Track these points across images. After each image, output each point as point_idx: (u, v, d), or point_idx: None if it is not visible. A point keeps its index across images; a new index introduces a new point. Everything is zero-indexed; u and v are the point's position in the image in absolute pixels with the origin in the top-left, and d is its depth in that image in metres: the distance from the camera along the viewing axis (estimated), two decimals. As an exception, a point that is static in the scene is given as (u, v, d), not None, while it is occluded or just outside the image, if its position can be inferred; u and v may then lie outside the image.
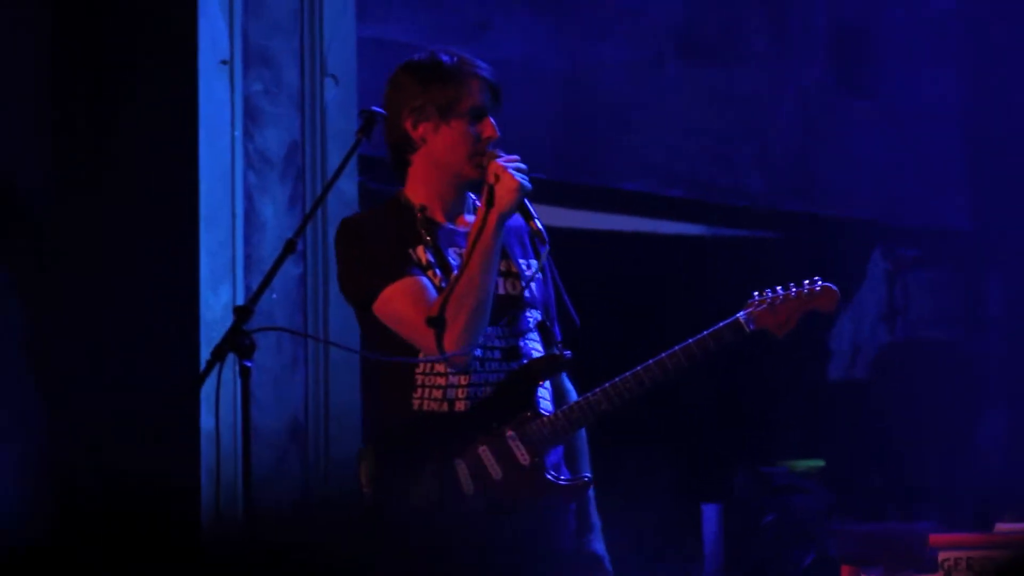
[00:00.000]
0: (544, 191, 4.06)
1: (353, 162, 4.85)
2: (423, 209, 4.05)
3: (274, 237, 5.27)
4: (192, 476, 4.87)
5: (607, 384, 3.99)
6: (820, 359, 8.23)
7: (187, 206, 5.17)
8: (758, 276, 7.62)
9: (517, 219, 4.02)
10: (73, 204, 5.35)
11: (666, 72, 7.63)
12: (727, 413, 7.54)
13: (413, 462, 3.97)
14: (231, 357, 3.74)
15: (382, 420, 4.05)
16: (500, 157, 3.98)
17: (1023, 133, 8.23)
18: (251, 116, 5.30)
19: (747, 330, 4.05)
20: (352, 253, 4.05)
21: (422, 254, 4.02)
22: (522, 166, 3.97)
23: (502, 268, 4.06)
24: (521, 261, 4.10)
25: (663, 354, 3.99)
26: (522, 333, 4.06)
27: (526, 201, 3.96)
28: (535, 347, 4.08)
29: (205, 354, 4.14)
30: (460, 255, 3.99)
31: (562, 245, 4.18)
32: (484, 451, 3.98)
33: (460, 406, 3.97)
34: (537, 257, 4.13)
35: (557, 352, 4.09)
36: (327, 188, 4.14)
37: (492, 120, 4.04)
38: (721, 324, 4.03)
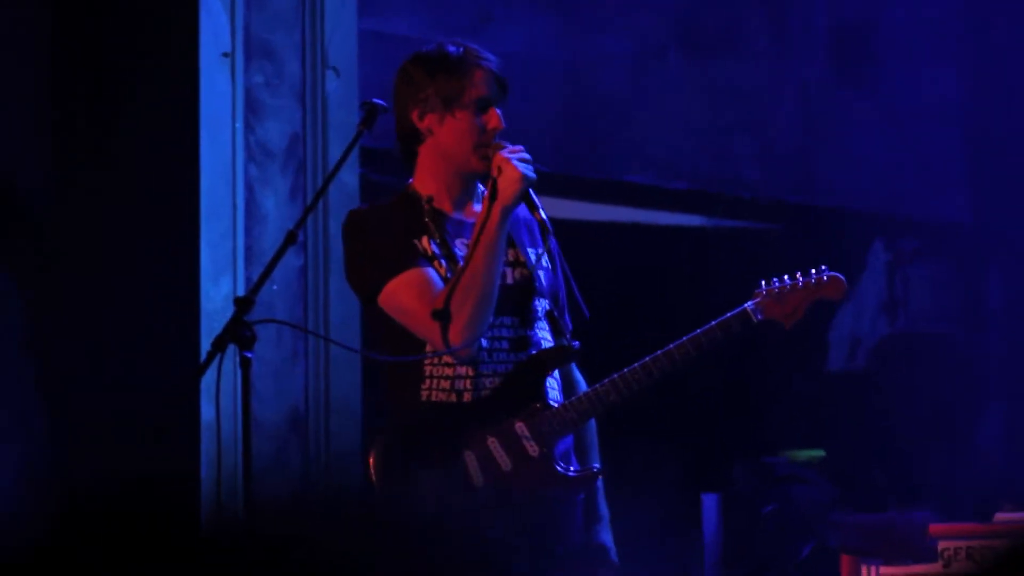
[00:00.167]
0: (545, 183, 4.06)
1: (354, 154, 4.87)
2: (431, 200, 4.06)
3: (275, 229, 5.27)
4: (192, 467, 4.88)
5: (615, 375, 3.99)
6: (820, 350, 8.24)
7: (188, 198, 5.17)
8: (759, 267, 7.63)
9: (525, 209, 4.02)
10: (74, 199, 5.36)
11: (668, 66, 7.64)
12: (726, 403, 7.54)
13: (422, 453, 3.97)
14: (232, 348, 3.75)
15: (390, 411, 4.06)
16: (504, 148, 3.99)
17: (1022, 125, 8.23)
18: (252, 108, 5.30)
19: (755, 320, 4.05)
20: (358, 245, 4.06)
21: (427, 245, 4.02)
22: (526, 156, 3.97)
23: (510, 258, 4.06)
24: (529, 250, 4.10)
25: (671, 345, 4.00)
26: (531, 323, 4.06)
27: (531, 192, 3.96)
28: (544, 337, 4.08)
29: (206, 345, 4.15)
30: (467, 246, 4.00)
31: (563, 236, 4.18)
32: (493, 442, 3.98)
33: (468, 397, 3.98)
34: (544, 245, 4.13)
35: (566, 342, 4.09)
36: (328, 180, 4.15)
37: (498, 111, 4.05)
38: (729, 314, 4.03)
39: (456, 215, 4.07)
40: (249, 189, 5.29)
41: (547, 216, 4.09)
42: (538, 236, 4.11)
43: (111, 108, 5.36)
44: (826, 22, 8.19)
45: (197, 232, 5.14)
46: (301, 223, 3.95)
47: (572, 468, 4.04)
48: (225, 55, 5.24)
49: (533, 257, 4.10)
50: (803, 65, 8.08)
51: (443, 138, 4.04)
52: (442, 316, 3.87)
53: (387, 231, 4.02)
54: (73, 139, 5.36)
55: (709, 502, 7.00)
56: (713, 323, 4.01)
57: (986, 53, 8.47)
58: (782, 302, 4.08)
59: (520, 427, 4.00)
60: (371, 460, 4.00)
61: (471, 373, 3.98)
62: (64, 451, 5.16)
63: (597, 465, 4.10)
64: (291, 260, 5.30)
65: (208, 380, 3.80)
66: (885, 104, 8.30)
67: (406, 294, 3.96)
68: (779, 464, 7.27)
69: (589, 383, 4.11)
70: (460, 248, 4.01)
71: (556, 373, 4.09)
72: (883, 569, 4.93)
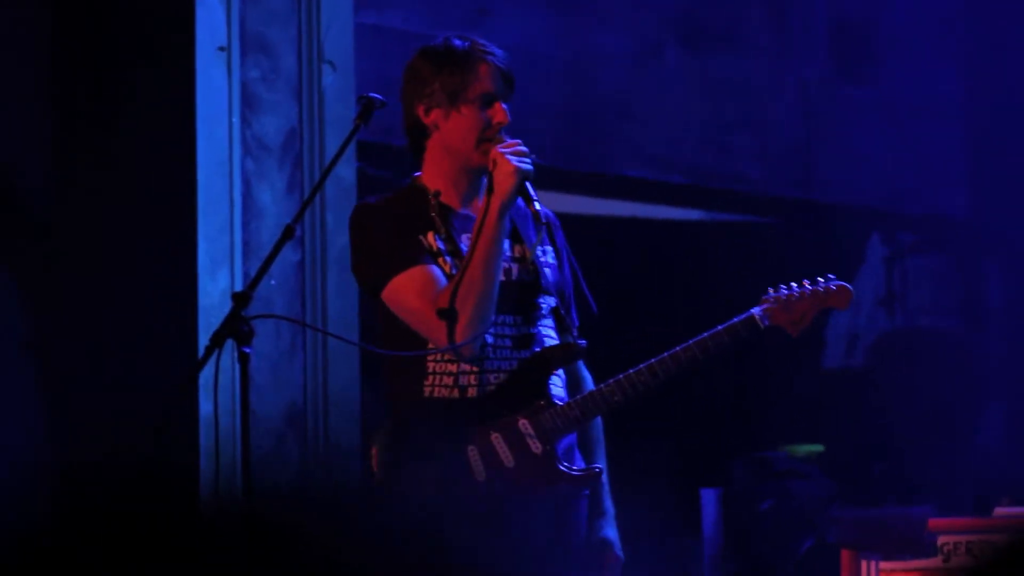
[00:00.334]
0: (544, 177, 4.05)
1: (351, 148, 4.85)
2: (437, 194, 4.05)
3: (272, 223, 5.27)
4: (191, 461, 4.88)
5: (621, 376, 3.99)
6: (818, 345, 8.24)
7: (185, 193, 5.17)
8: (758, 261, 7.64)
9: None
10: (73, 196, 5.35)
11: (666, 61, 7.63)
12: (725, 399, 7.55)
13: (424, 446, 3.97)
14: (230, 343, 3.74)
15: (393, 406, 4.06)
16: (501, 143, 3.98)
17: (1021, 121, 8.23)
18: (249, 103, 5.30)
19: (761, 327, 4.04)
20: (363, 240, 4.05)
21: (432, 241, 4.02)
22: (523, 149, 3.96)
23: (516, 254, 4.06)
24: (536, 246, 4.09)
25: (677, 348, 3.99)
26: (535, 320, 4.05)
27: (527, 185, 3.95)
28: (549, 334, 4.07)
29: (204, 340, 4.14)
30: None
31: (563, 231, 4.18)
32: (496, 438, 3.98)
33: (471, 393, 3.98)
34: (551, 241, 4.13)
35: (571, 340, 4.09)
36: (325, 174, 4.14)
37: (504, 106, 4.04)
38: (735, 320, 4.03)
39: (463, 210, 4.07)
40: (246, 184, 5.28)
41: (550, 211, 4.09)
42: (544, 231, 4.10)
43: (109, 105, 5.36)
44: (826, 18, 8.19)
45: (194, 227, 5.14)
46: (298, 217, 3.94)
47: (575, 467, 4.04)
48: (221, 49, 5.24)
49: (539, 253, 4.09)
50: (803, 61, 8.08)
51: (449, 133, 4.04)
52: (449, 315, 3.87)
53: (393, 226, 4.02)
54: (72, 137, 5.36)
55: (708, 497, 7.00)
56: (720, 328, 4.01)
57: (986, 50, 8.48)
58: (789, 309, 4.08)
59: (523, 424, 3.99)
60: (373, 451, 4.01)
61: (474, 369, 3.98)
62: (64, 446, 5.16)
63: (599, 465, 4.10)
64: (289, 255, 5.29)
65: (206, 375, 3.79)
66: (885, 100, 8.30)
67: (409, 292, 3.96)
68: (778, 459, 7.27)
69: (602, 382, 4.11)
70: (466, 243, 4.01)
71: (561, 371, 4.08)
72: (883, 564, 4.92)
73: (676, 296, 7.49)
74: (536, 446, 3.99)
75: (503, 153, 3.94)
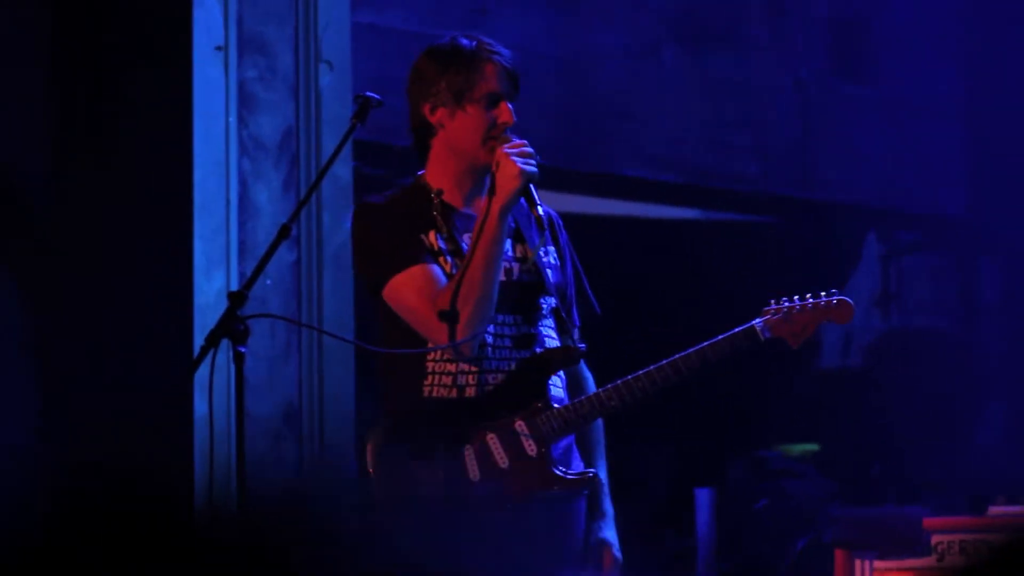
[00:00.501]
0: (542, 177, 4.05)
1: (348, 147, 4.86)
2: (440, 194, 4.05)
3: (268, 223, 5.27)
4: (186, 461, 4.88)
5: (619, 381, 3.98)
6: (814, 345, 8.24)
7: (181, 192, 5.17)
8: (755, 260, 7.64)
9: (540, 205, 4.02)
10: (71, 195, 5.35)
11: (665, 60, 7.63)
12: (720, 398, 7.54)
13: (421, 446, 3.97)
14: (225, 343, 3.74)
15: (391, 404, 4.06)
16: (508, 143, 3.97)
17: (1020, 119, 8.22)
18: (245, 102, 5.30)
19: (762, 338, 4.05)
20: (365, 237, 4.05)
21: (433, 240, 4.02)
22: (528, 151, 3.96)
23: (517, 254, 4.06)
24: (539, 246, 4.08)
25: (677, 356, 3.99)
26: (536, 320, 4.05)
27: (531, 188, 3.95)
28: (549, 334, 4.07)
29: (199, 340, 4.14)
30: None
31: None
32: (492, 439, 3.98)
33: (470, 392, 3.97)
34: (554, 240, 4.13)
35: (571, 343, 4.08)
36: (322, 174, 4.15)
37: (509, 106, 4.03)
38: (736, 330, 4.03)
39: (466, 209, 4.06)
40: (242, 183, 5.28)
41: (555, 212, 4.10)
42: (548, 232, 4.10)
43: (107, 104, 5.36)
44: (825, 16, 8.19)
45: (190, 226, 5.14)
46: (294, 217, 3.95)
47: (571, 471, 4.04)
48: (218, 49, 5.24)
49: (541, 253, 4.09)
50: (801, 60, 8.08)
51: (453, 132, 4.03)
52: (450, 317, 3.87)
53: (394, 224, 4.01)
54: (70, 136, 5.36)
55: (703, 496, 7.00)
56: (720, 338, 4.01)
57: (985, 49, 8.47)
58: (790, 321, 4.08)
59: (520, 425, 3.99)
60: (368, 449, 4.00)
61: (473, 369, 3.97)
62: (61, 444, 5.16)
63: (595, 469, 4.09)
64: (284, 254, 5.29)
65: (201, 375, 3.80)
66: (883, 99, 8.30)
67: (409, 290, 3.96)
68: (773, 458, 7.27)
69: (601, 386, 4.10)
70: (467, 243, 4.00)
71: (561, 372, 4.08)
72: (877, 563, 4.93)
73: (675, 295, 7.49)
74: (531, 448, 3.98)
75: (508, 154, 3.93)
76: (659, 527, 7.14)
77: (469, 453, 3.97)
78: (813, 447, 7.50)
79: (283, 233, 3.85)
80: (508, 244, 4.04)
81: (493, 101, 4.02)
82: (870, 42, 8.31)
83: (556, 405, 4.01)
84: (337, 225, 5.33)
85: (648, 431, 6.94)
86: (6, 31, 5.34)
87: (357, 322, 5.37)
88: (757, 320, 4.06)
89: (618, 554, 4.12)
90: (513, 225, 4.05)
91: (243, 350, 3.73)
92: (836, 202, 8.14)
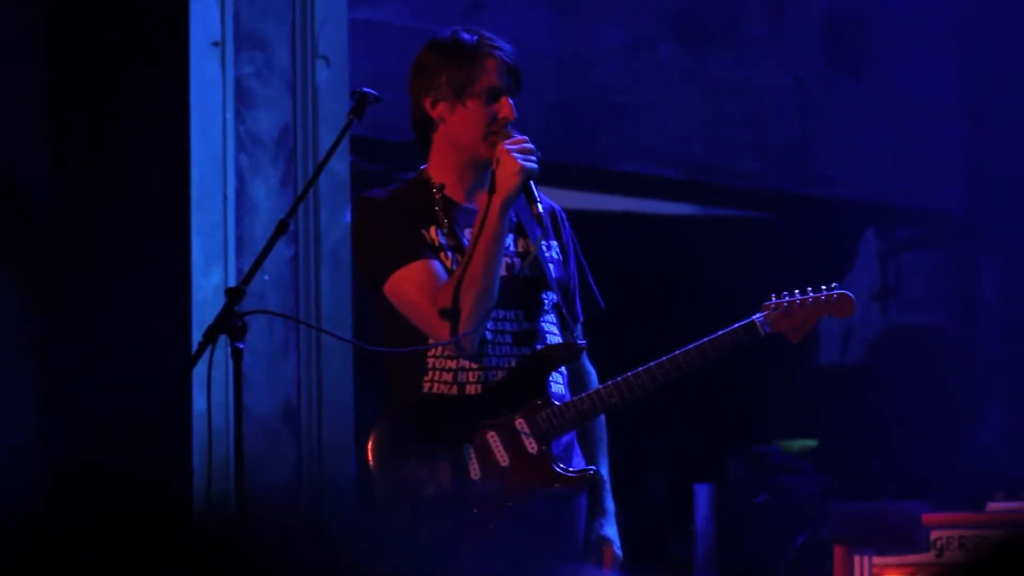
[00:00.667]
0: (540, 172, 4.05)
1: (345, 143, 4.84)
2: (442, 188, 4.05)
3: (266, 219, 5.25)
4: (184, 458, 4.87)
5: (619, 378, 3.98)
6: (812, 340, 8.24)
7: (179, 189, 5.16)
8: (753, 256, 7.63)
9: (543, 200, 4.02)
10: (69, 193, 5.35)
11: (661, 56, 7.63)
12: (720, 393, 7.54)
13: (421, 443, 3.97)
14: (223, 339, 3.74)
15: (391, 401, 4.05)
16: (507, 139, 3.97)
17: (1018, 117, 8.22)
18: (243, 98, 5.29)
19: (762, 333, 4.04)
20: (366, 232, 4.05)
21: (434, 235, 4.01)
22: (529, 147, 3.95)
23: (519, 248, 4.05)
24: (541, 242, 4.08)
25: (677, 352, 3.99)
26: (537, 316, 4.05)
27: (531, 184, 3.94)
28: (551, 330, 4.06)
29: (197, 336, 4.13)
30: None
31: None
32: (492, 436, 3.97)
33: (471, 389, 3.97)
34: (556, 235, 4.12)
35: (572, 340, 4.08)
36: (319, 169, 4.14)
37: (510, 101, 4.03)
38: (736, 325, 4.02)
39: (468, 204, 4.06)
40: (240, 179, 5.27)
41: (559, 206, 4.10)
42: (550, 226, 4.09)
43: (104, 102, 5.35)
44: (822, 13, 8.19)
45: (188, 223, 5.13)
46: (292, 213, 3.95)
47: (571, 468, 4.03)
48: (215, 45, 5.23)
49: (543, 248, 4.08)
50: (800, 57, 8.07)
51: (454, 127, 4.03)
52: (452, 315, 3.87)
53: (395, 219, 4.01)
54: (68, 134, 5.35)
55: (702, 492, 7.00)
56: (720, 333, 4.00)
57: (983, 45, 8.47)
58: (791, 316, 4.07)
59: (520, 423, 3.98)
60: (369, 445, 4.00)
61: (474, 366, 3.97)
62: (60, 443, 5.16)
63: (596, 466, 4.08)
64: (282, 250, 5.28)
65: (199, 371, 3.79)
66: (882, 96, 8.30)
67: (410, 286, 3.95)
68: (771, 454, 7.26)
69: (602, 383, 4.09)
70: (468, 238, 3.99)
71: (563, 368, 4.07)
72: (876, 559, 4.93)
73: (673, 292, 7.48)
74: (532, 445, 3.98)
75: (509, 150, 3.93)
76: (658, 524, 7.13)
77: (470, 451, 3.96)
78: (812, 443, 7.49)
79: (281, 229, 3.85)
80: (510, 239, 4.03)
81: (494, 96, 4.01)
82: (869, 40, 8.30)
83: (556, 402, 4.00)
84: (335, 221, 5.31)
85: (649, 428, 6.93)
86: (4, 30, 5.33)
87: (355, 318, 5.37)
88: (757, 315, 4.05)
89: (619, 551, 4.12)
90: (515, 220, 4.05)
91: (241, 346, 3.73)
92: (835, 199, 8.14)
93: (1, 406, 5.22)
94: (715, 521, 6.97)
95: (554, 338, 4.06)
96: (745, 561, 6.99)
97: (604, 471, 4.12)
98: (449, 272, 3.95)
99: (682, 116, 7.66)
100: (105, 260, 5.32)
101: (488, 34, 4.08)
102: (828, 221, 8.10)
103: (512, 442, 3.97)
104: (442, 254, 3.99)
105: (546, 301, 4.07)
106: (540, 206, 3.94)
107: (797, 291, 4.10)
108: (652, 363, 3.98)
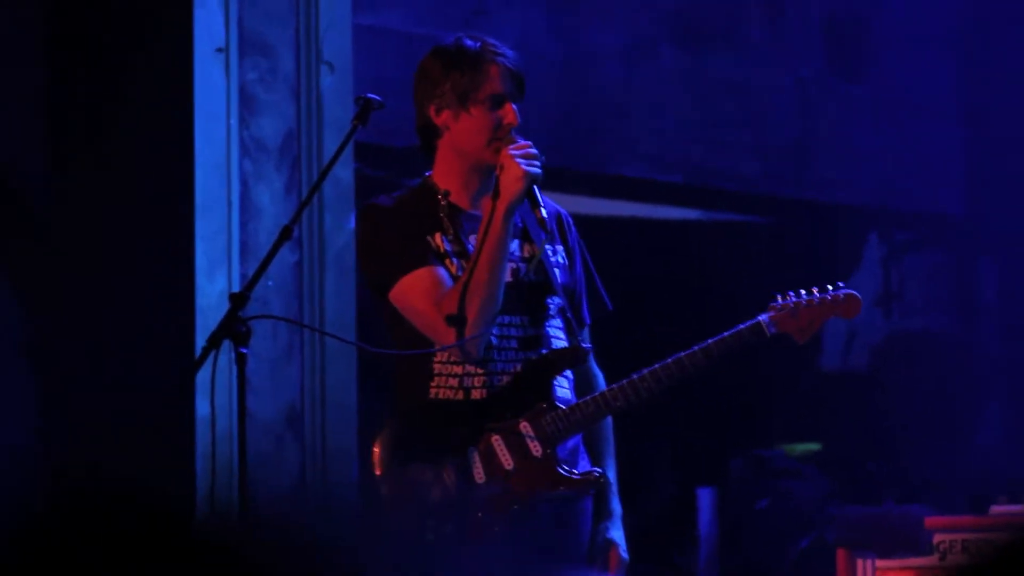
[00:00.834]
0: (543, 176, 4.05)
1: (349, 149, 4.85)
2: (447, 195, 4.05)
3: (270, 224, 5.26)
4: (188, 463, 4.88)
5: (624, 381, 3.98)
6: (815, 345, 8.25)
7: (183, 194, 5.16)
8: (754, 260, 7.64)
9: (549, 204, 4.02)
10: (71, 197, 5.36)
11: (662, 60, 7.63)
12: (722, 397, 7.56)
13: (427, 448, 3.97)
14: (227, 344, 3.75)
15: (398, 407, 4.06)
16: (512, 144, 3.97)
17: (1018, 118, 8.23)
18: (247, 104, 5.29)
19: (768, 333, 4.03)
20: (370, 239, 4.06)
21: (439, 242, 4.02)
22: (533, 152, 3.96)
23: (524, 254, 4.06)
24: (547, 247, 4.09)
25: (682, 353, 3.98)
26: (542, 321, 4.05)
27: (535, 189, 3.95)
28: (556, 335, 4.07)
29: (201, 341, 4.14)
30: None
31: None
32: (497, 441, 3.98)
33: (476, 395, 3.98)
34: (562, 239, 4.13)
35: (577, 344, 4.08)
36: (323, 175, 4.15)
37: (514, 107, 4.03)
38: (742, 326, 4.02)
39: (473, 210, 4.07)
40: (244, 184, 5.28)
41: (563, 208, 4.10)
42: (556, 231, 4.10)
43: (107, 106, 5.36)
44: (822, 15, 8.19)
45: (192, 228, 5.14)
46: (296, 218, 3.95)
47: (576, 471, 4.03)
48: (219, 50, 5.24)
49: (549, 253, 4.09)
50: (799, 59, 8.08)
51: (459, 134, 4.04)
52: (457, 321, 3.87)
53: (401, 226, 4.02)
54: (70, 138, 5.36)
55: (704, 496, 7.00)
56: (725, 334, 3.99)
57: (983, 47, 8.48)
58: (796, 317, 4.05)
59: (525, 427, 3.99)
60: (375, 451, 4.01)
61: (479, 371, 3.98)
62: (59, 446, 5.16)
63: (600, 470, 4.09)
64: (286, 255, 5.28)
65: (203, 376, 3.80)
66: (882, 98, 8.30)
67: (415, 293, 3.96)
68: (774, 458, 7.27)
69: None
70: (473, 244, 4.00)
71: (568, 372, 4.07)
72: (879, 562, 4.93)
73: (673, 296, 7.49)
74: (536, 449, 3.98)
75: (513, 156, 3.93)
76: (661, 526, 7.14)
77: (475, 456, 3.97)
78: (815, 447, 7.50)
79: (285, 234, 3.85)
80: (515, 244, 4.04)
81: (497, 102, 4.02)
82: (869, 42, 8.31)
83: (561, 406, 4.01)
84: (339, 226, 5.32)
85: (650, 431, 6.94)
86: (5, 31, 5.34)
87: (359, 323, 5.38)
88: (763, 315, 4.04)
89: (624, 554, 4.12)
90: (520, 225, 4.05)
91: (245, 351, 3.74)
92: (835, 202, 8.14)
93: (1, 406, 5.22)
94: (717, 525, 6.97)
95: (560, 343, 4.06)
96: (747, 564, 7.00)
97: (611, 474, 4.13)
98: (454, 278, 3.96)
99: (683, 119, 7.67)
100: (107, 263, 5.32)
101: (491, 40, 4.08)
102: (830, 226, 8.11)
103: (517, 446, 3.98)
104: (447, 260, 4.00)
105: (551, 306, 4.08)
106: (544, 211, 3.95)
107: (803, 291, 4.09)
108: (657, 365, 3.98)
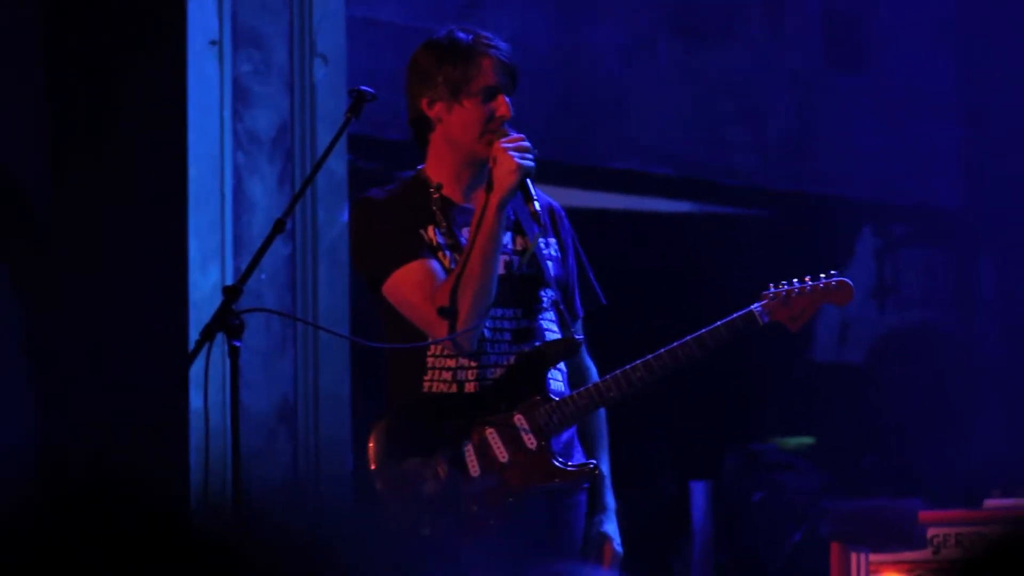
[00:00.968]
0: (537, 170, 4.05)
1: (342, 142, 4.85)
2: (439, 188, 4.05)
3: (263, 217, 5.26)
4: (181, 456, 4.87)
5: (618, 371, 3.98)
6: (809, 337, 8.24)
7: (176, 187, 5.16)
8: (750, 254, 7.63)
9: (542, 197, 4.02)
10: (67, 192, 5.36)
11: (659, 53, 7.63)
12: (715, 390, 7.55)
13: (420, 440, 3.97)
14: (220, 337, 3.74)
15: (391, 400, 4.06)
16: (505, 137, 3.97)
17: (1017, 114, 8.22)
18: (240, 96, 5.29)
19: (761, 323, 4.02)
20: (363, 232, 4.06)
21: (432, 235, 4.01)
22: (526, 144, 3.95)
23: (517, 246, 4.06)
24: (540, 240, 4.08)
25: (675, 343, 3.98)
26: (535, 314, 4.05)
27: (528, 182, 3.94)
28: (549, 328, 4.06)
29: (194, 334, 4.14)
30: None
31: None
32: (491, 433, 3.98)
33: (470, 388, 3.97)
34: (555, 232, 4.12)
35: (570, 336, 4.08)
36: (316, 168, 4.14)
37: (507, 100, 4.03)
38: (735, 315, 4.01)
39: (465, 203, 4.06)
40: (237, 177, 5.27)
41: (555, 201, 4.10)
42: (548, 224, 4.09)
43: (103, 100, 5.35)
44: (820, 9, 8.19)
45: (185, 221, 5.14)
46: (289, 211, 3.95)
47: (571, 463, 4.03)
48: (213, 43, 5.23)
49: (542, 245, 4.08)
50: (796, 53, 8.07)
51: (451, 126, 4.03)
52: (449, 314, 3.87)
53: (394, 219, 4.01)
54: (66, 133, 5.36)
55: (698, 489, 7.00)
56: (718, 324, 3.99)
57: (980, 41, 8.47)
58: (789, 305, 4.05)
59: (519, 419, 3.99)
60: (370, 445, 4.00)
61: (472, 364, 3.97)
62: (59, 440, 5.16)
63: (594, 462, 4.08)
64: (279, 248, 5.28)
65: (196, 369, 3.79)
66: (879, 92, 8.30)
67: (408, 286, 3.96)
68: (768, 452, 7.27)
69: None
70: (466, 237, 4.00)
71: (562, 365, 4.07)
72: (872, 556, 4.93)
73: (669, 289, 7.48)
74: (531, 441, 3.98)
75: (505, 149, 3.93)
76: (655, 521, 7.13)
77: (469, 449, 3.97)
78: (809, 440, 7.50)
79: (278, 227, 3.85)
80: (508, 237, 4.04)
81: (490, 95, 4.01)
82: (866, 35, 8.30)
83: (555, 398, 4.00)
84: (332, 219, 5.32)
85: (644, 424, 6.94)
86: (4, 30, 5.33)
87: (352, 316, 5.37)
88: (756, 304, 4.04)
89: (619, 548, 4.12)
90: (513, 218, 4.05)
91: (238, 344, 3.73)
92: (832, 195, 8.14)
93: (1, 406, 5.22)
94: (712, 518, 6.97)
95: (553, 335, 4.06)
96: (742, 558, 7.00)
97: (605, 467, 4.12)
98: (447, 271, 3.96)
99: (679, 113, 7.66)
100: (104, 259, 5.32)
101: (484, 33, 4.08)
102: (826, 219, 8.10)
103: (511, 438, 3.98)
104: (440, 253, 4.00)
105: (544, 299, 4.07)
106: (537, 204, 3.94)
107: (795, 280, 4.09)
108: (650, 356, 3.98)
